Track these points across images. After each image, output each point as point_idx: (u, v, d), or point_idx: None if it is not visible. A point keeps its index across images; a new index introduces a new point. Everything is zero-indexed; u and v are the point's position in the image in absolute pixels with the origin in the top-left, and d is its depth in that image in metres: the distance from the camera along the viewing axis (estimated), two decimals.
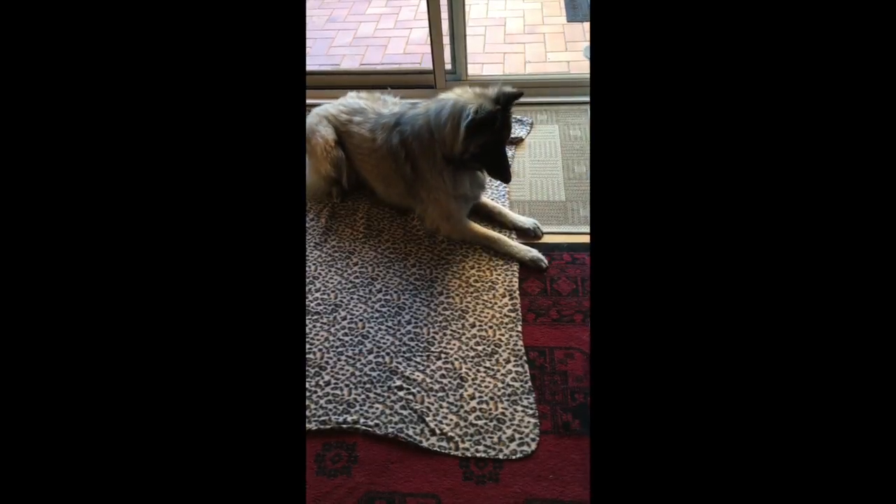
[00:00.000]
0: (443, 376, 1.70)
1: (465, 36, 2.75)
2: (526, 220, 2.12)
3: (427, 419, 1.59)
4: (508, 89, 1.89)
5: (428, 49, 2.77)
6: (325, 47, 3.47)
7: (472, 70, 2.91)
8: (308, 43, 3.49)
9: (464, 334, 1.80)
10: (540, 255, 1.98)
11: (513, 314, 1.84)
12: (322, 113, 2.28)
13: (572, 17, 3.52)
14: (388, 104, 2.22)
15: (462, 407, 1.62)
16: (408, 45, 3.43)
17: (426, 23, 2.67)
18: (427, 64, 2.88)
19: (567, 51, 3.21)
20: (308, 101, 2.62)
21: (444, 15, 2.67)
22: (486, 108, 1.83)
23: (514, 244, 2.03)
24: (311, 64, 3.29)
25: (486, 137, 1.87)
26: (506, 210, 2.18)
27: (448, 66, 2.79)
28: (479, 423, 1.58)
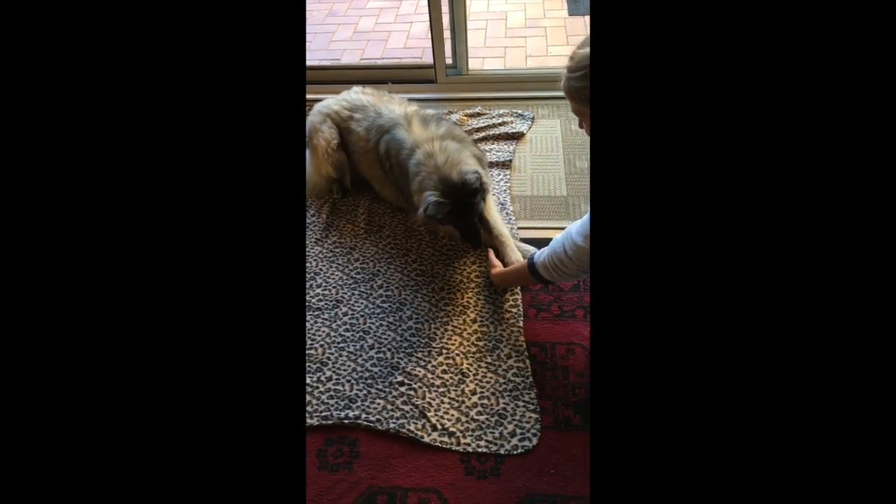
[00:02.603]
0: (444, 372, 1.70)
1: (465, 30, 2.73)
2: (508, 252, 1.95)
3: (428, 414, 1.60)
4: (469, 178, 1.79)
5: (429, 43, 2.76)
6: (325, 42, 3.46)
7: (473, 64, 2.90)
8: (308, 37, 3.48)
9: (465, 330, 1.80)
10: (528, 251, 1.97)
11: (514, 310, 1.84)
12: (325, 111, 2.26)
13: (574, 10, 3.51)
14: (394, 101, 2.20)
15: (463, 402, 1.62)
16: (408, 40, 3.41)
17: (427, 17, 2.66)
18: (428, 58, 2.87)
19: (568, 45, 3.19)
20: (309, 97, 2.62)
21: (445, 9, 2.66)
22: (437, 209, 1.77)
23: (514, 243, 2.02)
24: (312, 59, 3.28)
25: (446, 220, 1.86)
26: (507, 238, 1.98)
27: (449, 61, 2.78)
28: (481, 418, 1.59)
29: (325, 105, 2.29)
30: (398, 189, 2.10)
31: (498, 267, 1.90)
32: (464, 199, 1.82)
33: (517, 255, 1.95)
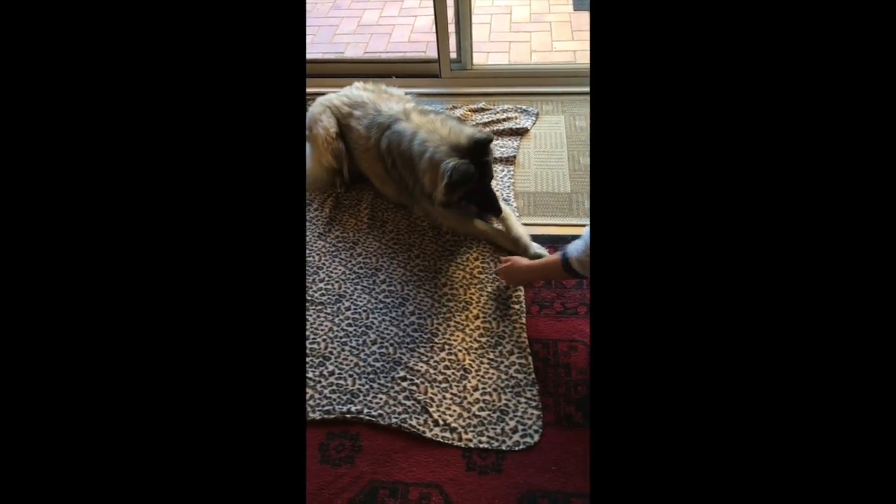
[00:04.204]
0: (446, 367, 1.70)
1: (470, 24, 2.72)
2: (528, 244, 1.95)
3: (430, 410, 1.60)
4: (480, 136, 1.85)
5: (433, 37, 2.75)
6: (329, 35, 3.44)
7: (478, 59, 2.89)
8: (312, 30, 3.46)
9: (467, 326, 1.80)
10: (543, 251, 1.97)
11: (517, 306, 1.84)
12: (326, 103, 2.27)
13: (579, 5, 3.49)
14: (393, 98, 2.20)
15: (465, 398, 1.63)
16: (412, 33, 3.40)
17: (431, 10, 2.65)
18: (432, 52, 2.85)
19: (573, 40, 3.17)
20: (312, 90, 2.61)
21: (450, 2, 2.64)
22: (462, 170, 1.80)
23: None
24: (315, 52, 3.27)
25: (468, 188, 1.87)
26: (513, 222, 2.00)
27: (453, 55, 2.77)
28: (483, 414, 1.59)
29: (327, 99, 2.30)
30: (400, 185, 2.10)
31: (517, 261, 1.80)
32: (479, 158, 1.84)
33: (539, 248, 1.96)
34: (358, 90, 2.28)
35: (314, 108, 2.28)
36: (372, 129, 2.12)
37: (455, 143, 1.87)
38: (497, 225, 2.04)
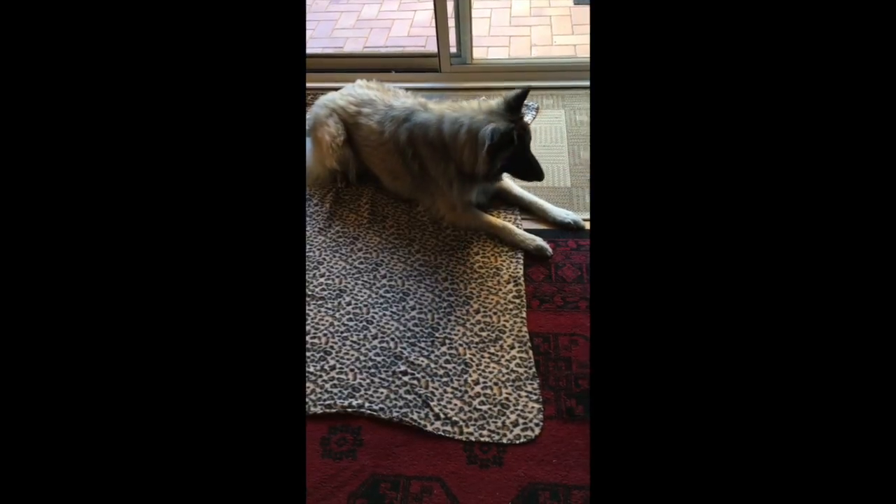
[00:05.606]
0: (447, 361, 1.71)
1: (470, 18, 2.71)
2: (566, 215, 2.07)
3: (431, 404, 1.61)
4: (512, 93, 1.89)
5: (432, 32, 2.74)
6: (328, 29, 3.43)
7: (478, 53, 2.88)
8: (311, 25, 3.45)
9: (468, 320, 1.81)
10: (544, 244, 1.97)
11: (517, 300, 1.84)
12: (331, 105, 2.24)
13: None
14: (400, 96, 2.19)
15: (466, 392, 1.63)
16: (412, 28, 3.38)
17: (431, 5, 2.64)
18: (431, 47, 2.85)
19: (574, 34, 3.16)
20: (312, 85, 2.60)
21: None
22: (500, 130, 1.82)
23: (519, 232, 2.02)
24: (315, 46, 3.26)
25: (510, 151, 1.88)
26: (547, 205, 2.10)
27: (453, 49, 2.76)
28: (484, 407, 1.60)
29: (331, 99, 2.27)
30: (418, 178, 2.09)
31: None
32: (516, 115, 1.89)
33: (560, 211, 2.06)
34: (362, 88, 2.26)
35: (319, 111, 2.25)
36: (386, 123, 2.11)
37: (489, 109, 1.91)
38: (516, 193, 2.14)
